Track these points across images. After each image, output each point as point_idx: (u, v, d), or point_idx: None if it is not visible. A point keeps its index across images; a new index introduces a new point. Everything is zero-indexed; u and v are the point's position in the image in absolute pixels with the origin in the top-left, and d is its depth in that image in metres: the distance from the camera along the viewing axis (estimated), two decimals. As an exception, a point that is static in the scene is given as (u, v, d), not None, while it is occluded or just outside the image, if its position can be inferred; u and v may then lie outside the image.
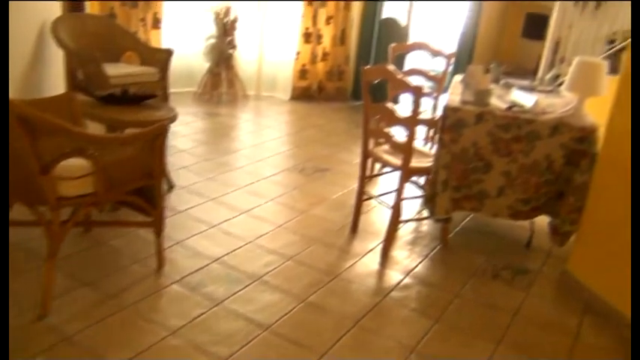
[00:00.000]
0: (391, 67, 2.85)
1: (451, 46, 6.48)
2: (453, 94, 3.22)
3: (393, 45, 4.20)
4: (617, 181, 2.65)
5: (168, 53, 4.43)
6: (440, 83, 4.14)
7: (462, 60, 6.28)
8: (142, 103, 3.45)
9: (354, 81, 6.52)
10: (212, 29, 5.78)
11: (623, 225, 2.59)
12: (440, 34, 8.33)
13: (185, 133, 4.72)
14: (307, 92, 6.36)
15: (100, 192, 2.33)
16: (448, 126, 2.93)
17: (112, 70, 4.18)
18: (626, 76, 2.66)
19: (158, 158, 2.52)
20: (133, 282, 2.58)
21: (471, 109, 2.93)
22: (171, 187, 3.62)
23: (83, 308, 2.35)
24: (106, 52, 4.40)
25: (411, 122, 2.75)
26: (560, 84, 4.56)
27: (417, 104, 2.66)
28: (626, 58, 3.01)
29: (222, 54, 5.79)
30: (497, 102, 3.07)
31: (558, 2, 4.95)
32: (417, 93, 2.65)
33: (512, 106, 2.97)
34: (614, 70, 4.20)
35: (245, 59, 6.14)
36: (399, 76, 2.79)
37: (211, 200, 3.52)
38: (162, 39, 5.62)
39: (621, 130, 2.67)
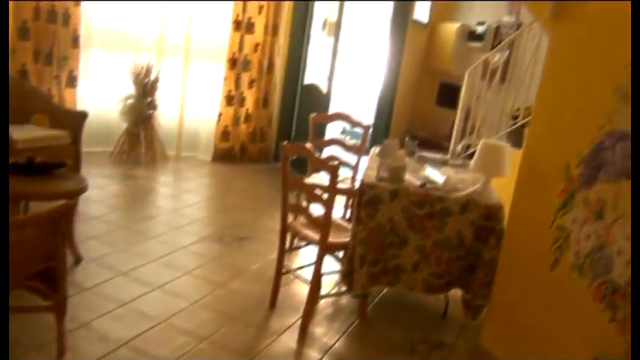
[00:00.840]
0: (309, 146, 2.89)
1: (371, 109, 6.74)
2: (370, 169, 3.30)
3: (313, 115, 4.29)
4: (522, 257, 2.79)
5: (82, 116, 4.27)
6: (358, 153, 4.25)
7: (381, 124, 6.53)
8: (50, 173, 3.28)
9: (276, 143, 6.57)
10: (131, 88, 5.68)
11: (530, 299, 2.71)
12: (360, 99, 8.66)
13: (98, 199, 4.51)
14: (229, 153, 6.33)
15: (-6, 279, 2.14)
16: (365, 202, 2.98)
17: (19, 133, 3.96)
18: (528, 151, 2.85)
19: (61, 240, 2.37)
20: (29, 374, 2.36)
21: (387, 185, 3.01)
22: (78, 260, 3.41)
23: (-33, 410, 2.10)
24: (14, 113, 4.16)
25: (328, 201, 2.78)
26: (471, 154, 4.84)
27: (333, 184, 2.70)
28: (527, 133, 3.23)
29: (141, 115, 5.67)
30: (412, 178, 3.17)
31: (467, 75, 5.29)
32: (334, 173, 2.70)
33: (425, 183, 3.08)
34: (517, 144, 4.51)
35: (166, 118, 6.05)
36: (317, 154, 2.83)
37: (122, 275, 3.34)
38: (78, 98, 5.44)
39: (523, 207, 2.84)
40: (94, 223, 4.04)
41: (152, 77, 5.70)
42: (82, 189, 3.16)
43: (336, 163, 2.78)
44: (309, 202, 3.11)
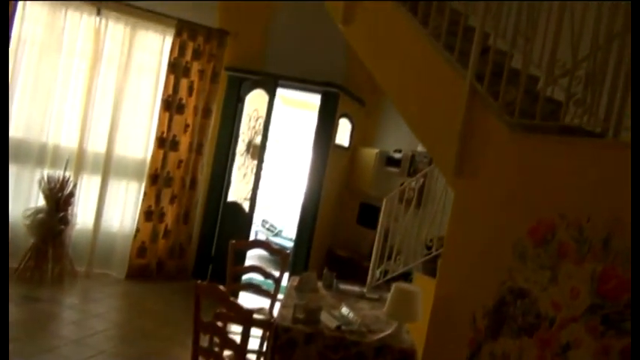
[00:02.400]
0: (223, 289, 2.83)
1: (295, 221, 6.76)
2: (285, 308, 3.26)
3: (232, 242, 4.25)
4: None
5: (-17, 239, 3.99)
6: (277, 282, 4.20)
7: (303, 240, 6.52)
8: None
9: (195, 259, 6.42)
10: (42, 202, 5.44)
11: None
12: (285, 211, 8.77)
13: (-9, 326, 4.12)
14: (145, 270, 6.08)
15: None
16: (279, 346, 2.91)
17: None
18: (438, 299, 2.92)
19: None
20: None
21: (302, 328, 2.96)
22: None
23: None
24: None
25: (240, 349, 2.68)
26: (389, 280, 4.92)
27: (246, 333, 2.63)
28: (440, 264, 3.32)
29: (51, 230, 5.40)
30: (328, 318, 3.15)
31: (385, 201, 5.49)
32: (247, 321, 2.63)
33: (341, 325, 3.07)
34: (432, 273, 4.65)
35: (79, 232, 5.79)
36: (231, 299, 2.77)
37: None
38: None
39: (436, 353, 2.86)
40: (-17, 358, 3.64)
41: (66, 191, 5.51)
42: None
43: (250, 308, 2.72)
44: (222, 346, 2.99)
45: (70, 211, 5.56)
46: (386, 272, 5.16)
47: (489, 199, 2.68)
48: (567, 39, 2.67)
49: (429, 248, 4.83)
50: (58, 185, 5.47)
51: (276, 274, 4.25)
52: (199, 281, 2.99)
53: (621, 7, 2.51)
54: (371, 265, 5.23)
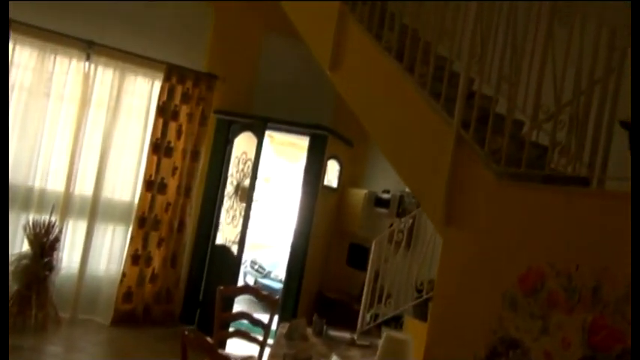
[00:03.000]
0: (210, 340, 2.77)
1: (283, 266, 6.69)
2: (275, 358, 3.19)
3: (220, 288, 4.17)
4: None
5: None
6: (266, 329, 4.11)
7: (293, 282, 6.44)
8: None
9: (183, 304, 6.30)
10: (27, 248, 5.35)
11: None
12: (272, 258, 8.68)
13: (-30, 380, 3.97)
14: (131, 316, 5.95)
15: None
16: (268, 399, 2.83)
17: None
18: (429, 350, 2.87)
19: None
20: None
21: (291, 380, 2.89)
22: None
23: None
24: None
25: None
26: (380, 324, 4.85)
27: (233, 386, 2.56)
28: (432, 306, 3.28)
29: (35, 276, 5.29)
30: (318, 368, 3.09)
31: (374, 243, 5.46)
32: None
33: (331, 375, 3.01)
34: (424, 316, 4.59)
35: (63, 276, 5.67)
36: (219, 350, 2.70)
37: None
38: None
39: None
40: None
41: (52, 236, 5.43)
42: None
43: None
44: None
45: (55, 257, 5.47)
46: (377, 316, 5.09)
47: (478, 247, 2.67)
48: (551, 84, 2.72)
49: (419, 292, 4.78)
50: (43, 230, 5.39)
51: (266, 317, 4.17)
52: (186, 331, 2.92)
53: (602, 52, 2.56)
54: (361, 308, 5.16)
